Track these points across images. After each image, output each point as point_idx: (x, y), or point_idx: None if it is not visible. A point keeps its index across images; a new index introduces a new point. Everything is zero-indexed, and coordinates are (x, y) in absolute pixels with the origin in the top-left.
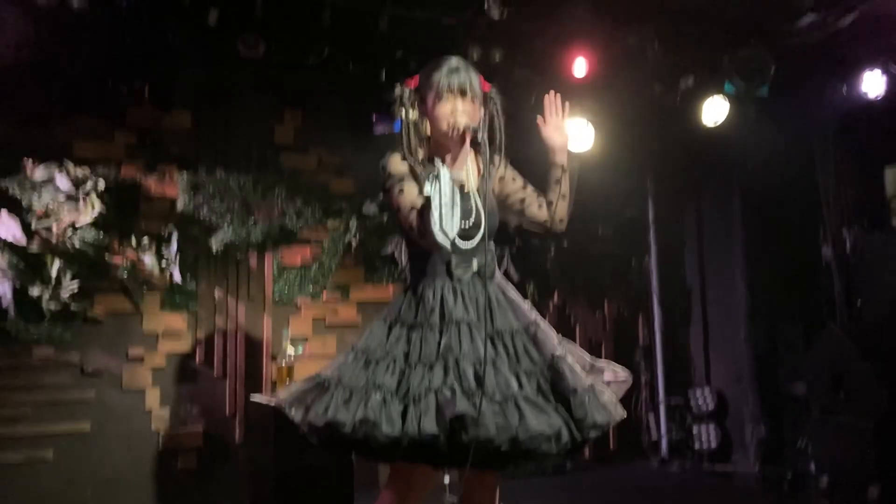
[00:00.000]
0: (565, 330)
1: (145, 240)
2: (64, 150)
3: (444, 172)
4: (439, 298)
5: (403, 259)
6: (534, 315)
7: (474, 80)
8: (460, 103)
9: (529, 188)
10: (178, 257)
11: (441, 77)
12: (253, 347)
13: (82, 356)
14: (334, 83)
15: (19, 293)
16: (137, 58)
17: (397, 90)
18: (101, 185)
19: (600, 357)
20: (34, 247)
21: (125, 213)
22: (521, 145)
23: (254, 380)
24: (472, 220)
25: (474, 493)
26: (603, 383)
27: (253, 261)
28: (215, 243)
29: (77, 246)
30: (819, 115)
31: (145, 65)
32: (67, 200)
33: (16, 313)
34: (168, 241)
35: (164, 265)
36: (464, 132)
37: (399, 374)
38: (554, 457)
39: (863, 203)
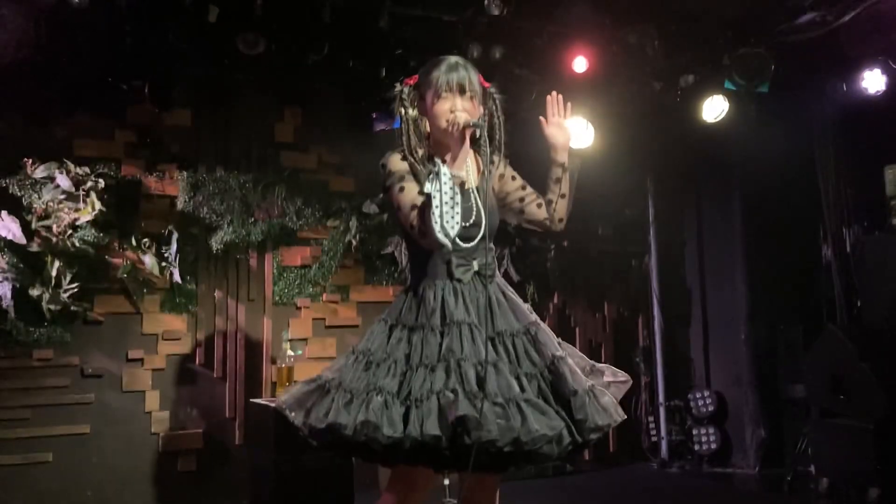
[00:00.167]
0: (565, 331)
1: (145, 240)
2: (64, 150)
3: (445, 171)
4: (440, 299)
5: (403, 259)
6: (533, 316)
7: (473, 77)
8: (459, 101)
9: (528, 187)
10: (178, 258)
11: (440, 75)
12: (253, 349)
13: (82, 358)
14: (334, 82)
15: (19, 294)
16: (137, 56)
17: (396, 88)
18: (101, 184)
19: (600, 358)
20: (34, 247)
21: (125, 212)
22: (520, 143)
23: (254, 381)
24: (472, 219)
25: (474, 496)
26: (603, 385)
27: (253, 261)
28: (215, 243)
29: (77, 246)
30: (819, 114)
31: (145, 64)
32: (67, 199)
33: (15, 314)
34: (168, 241)
35: (164, 265)
36: (463, 129)
37: (400, 377)
38: (555, 459)
39: (863, 203)
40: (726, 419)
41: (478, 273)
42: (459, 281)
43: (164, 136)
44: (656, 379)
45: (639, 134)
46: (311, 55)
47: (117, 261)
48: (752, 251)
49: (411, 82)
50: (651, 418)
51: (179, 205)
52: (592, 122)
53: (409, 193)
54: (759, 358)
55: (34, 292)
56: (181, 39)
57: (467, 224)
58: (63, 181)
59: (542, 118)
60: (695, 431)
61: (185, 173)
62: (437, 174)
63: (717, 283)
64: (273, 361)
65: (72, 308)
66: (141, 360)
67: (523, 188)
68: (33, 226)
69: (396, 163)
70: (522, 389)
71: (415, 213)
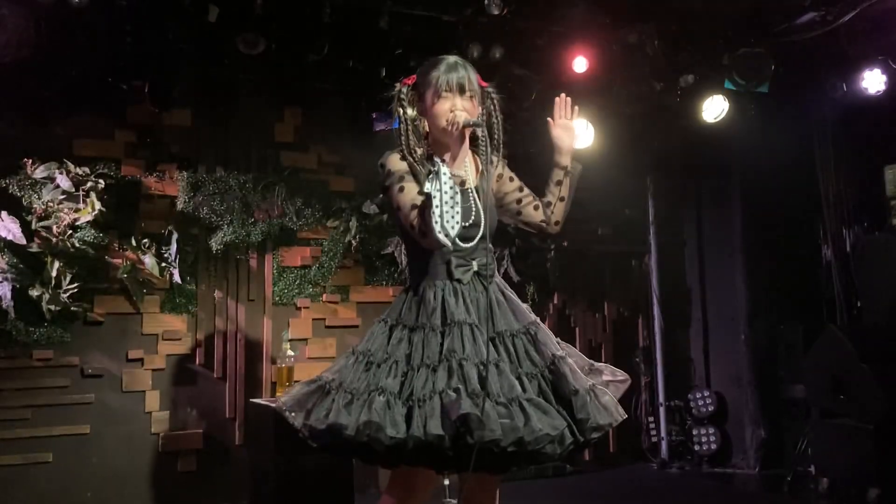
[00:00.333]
0: (565, 331)
1: (145, 240)
2: (64, 150)
3: (445, 170)
4: (440, 300)
5: (403, 259)
6: (532, 316)
7: (473, 77)
8: (459, 100)
9: (526, 189)
10: (177, 258)
11: (440, 74)
12: (253, 349)
13: (82, 358)
14: (334, 82)
15: (19, 294)
16: (137, 56)
17: (395, 89)
18: (101, 184)
19: (600, 359)
20: (34, 247)
21: (125, 212)
22: (520, 143)
23: (254, 381)
24: (471, 219)
25: (474, 496)
26: (602, 384)
27: (253, 261)
28: (215, 243)
29: (77, 246)
30: (819, 114)
31: (145, 64)
32: (67, 199)
33: (16, 314)
34: (168, 241)
35: (164, 266)
36: (463, 129)
37: (402, 377)
38: (556, 458)
39: (863, 203)
40: (726, 419)
41: (477, 273)
42: (459, 281)
43: (164, 136)
44: (656, 379)
45: (639, 134)
46: (311, 55)
47: (117, 261)
48: (752, 251)
49: (409, 82)
50: (651, 418)
51: (179, 205)
52: (592, 122)
53: (409, 193)
54: (759, 358)
55: (34, 292)
56: (181, 39)
57: (466, 224)
58: (63, 181)
59: (549, 119)
60: (695, 431)
61: (185, 173)
62: (437, 173)
63: (717, 283)
64: (273, 361)
65: (72, 308)
66: (141, 361)
67: (521, 190)
68: (33, 226)
69: (395, 162)
70: (524, 389)
71: (415, 212)
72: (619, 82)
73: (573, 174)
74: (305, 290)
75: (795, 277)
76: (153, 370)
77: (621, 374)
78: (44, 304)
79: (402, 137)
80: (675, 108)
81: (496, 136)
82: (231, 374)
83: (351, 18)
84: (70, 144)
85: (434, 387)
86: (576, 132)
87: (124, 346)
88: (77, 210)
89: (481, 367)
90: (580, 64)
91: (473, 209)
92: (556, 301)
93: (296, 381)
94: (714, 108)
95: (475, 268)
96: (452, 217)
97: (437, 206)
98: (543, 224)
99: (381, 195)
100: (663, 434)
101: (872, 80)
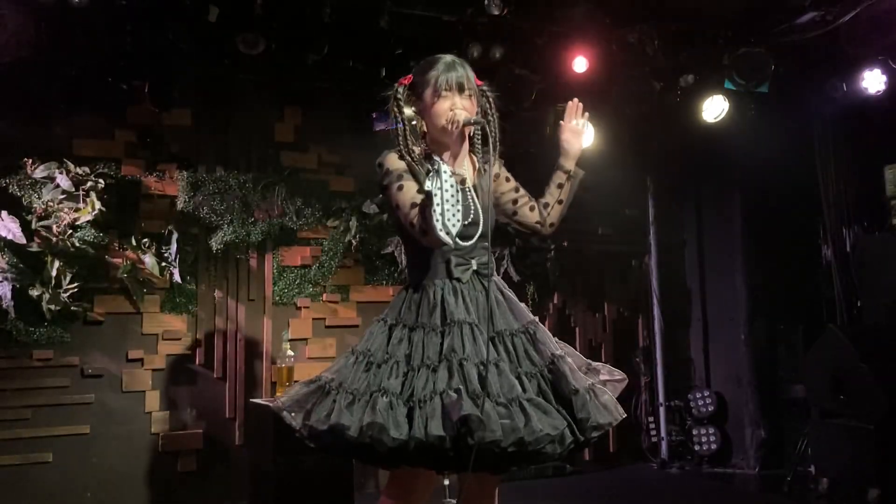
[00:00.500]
0: (565, 331)
1: (145, 240)
2: (64, 150)
3: (445, 168)
4: (440, 299)
5: (403, 259)
6: (531, 315)
7: (470, 75)
8: (458, 99)
9: (522, 189)
10: (177, 258)
11: (439, 74)
12: (253, 349)
13: (82, 358)
14: (334, 82)
15: (19, 294)
16: (137, 56)
17: (391, 89)
18: (101, 184)
19: (600, 359)
20: (34, 247)
21: (125, 212)
22: (520, 142)
23: (253, 381)
24: (470, 218)
25: (474, 496)
26: (600, 383)
27: (253, 261)
28: (215, 243)
29: (77, 246)
30: (819, 114)
31: (145, 63)
32: (67, 199)
33: (16, 314)
34: (168, 241)
35: (164, 265)
36: (463, 128)
37: (402, 377)
38: (557, 458)
39: (863, 203)
40: (726, 419)
41: (477, 272)
42: (459, 280)
43: (164, 136)
44: (656, 379)
45: (639, 134)
46: (311, 55)
47: (117, 261)
48: (752, 251)
49: (406, 82)
50: (651, 418)
51: (179, 205)
52: (592, 122)
53: (409, 192)
54: (759, 358)
55: (34, 292)
56: (181, 39)
57: (466, 223)
58: (63, 181)
59: (561, 122)
60: (695, 431)
61: (185, 173)
62: (438, 172)
63: (717, 283)
64: (273, 361)
65: (72, 308)
66: (141, 360)
67: (517, 190)
68: (33, 226)
69: (394, 161)
70: (524, 389)
71: (415, 211)
72: (619, 82)
73: (575, 179)
74: (305, 290)
75: (795, 277)
76: (153, 370)
77: (619, 374)
78: (44, 303)
79: (400, 137)
80: (675, 108)
81: (493, 135)
82: (231, 374)
83: (351, 18)
84: (70, 144)
85: (435, 387)
86: (584, 138)
87: (124, 346)
88: (77, 210)
89: (481, 367)
90: (580, 64)
91: (472, 208)
92: (556, 301)
93: (295, 381)
94: (714, 108)
95: (474, 266)
96: (454, 215)
97: (438, 205)
98: (538, 225)
99: (380, 195)
100: (663, 434)
101: (872, 80)
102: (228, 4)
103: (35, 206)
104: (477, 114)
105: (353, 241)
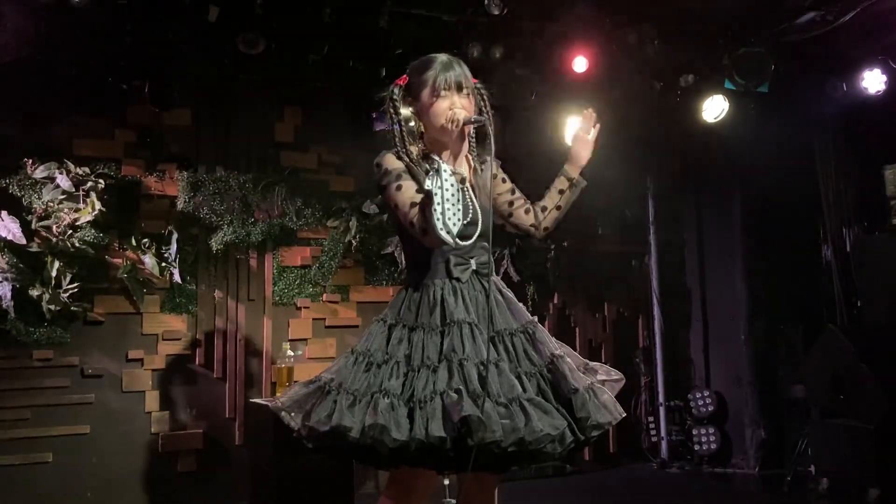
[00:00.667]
0: (565, 331)
1: (145, 240)
2: (64, 150)
3: (445, 168)
4: (439, 299)
5: (402, 259)
6: (529, 315)
7: (468, 73)
8: (457, 98)
9: (518, 191)
10: (177, 258)
11: (437, 74)
12: (253, 349)
13: (82, 358)
14: (334, 81)
15: (19, 294)
16: (137, 56)
17: (387, 90)
18: (101, 184)
19: (601, 359)
20: (34, 247)
21: (125, 212)
22: (520, 142)
23: (253, 381)
24: (469, 217)
25: (473, 496)
26: (599, 383)
27: (253, 261)
28: (215, 243)
29: (77, 246)
30: (819, 113)
31: (145, 63)
32: (67, 199)
33: (16, 314)
34: (168, 241)
35: (164, 266)
36: (463, 127)
37: (403, 377)
38: (557, 458)
39: (863, 203)
40: (726, 419)
41: (476, 272)
42: (458, 280)
43: (164, 136)
44: (656, 379)
45: (639, 134)
46: (311, 55)
47: (117, 261)
48: (752, 251)
49: (401, 83)
50: (651, 418)
51: (179, 205)
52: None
53: (408, 191)
54: (759, 358)
55: (34, 292)
56: (181, 39)
57: (465, 222)
58: (63, 181)
59: (577, 131)
60: (695, 431)
61: (185, 173)
62: (438, 171)
63: (717, 283)
64: (273, 361)
65: (72, 308)
66: (141, 361)
67: (513, 192)
68: (33, 226)
69: (392, 161)
70: (524, 389)
71: (415, 210)
72: (619, 82)
73: (577, 188)
74: (305, 290)
75: (795, 277)
76: (153, 370)
77: (616, 374)
78: (44, 304)
79: (397, 138)
80: (676, 108)
81: (492, 134)
82: (231, 374)
83: (351, 18)
84: (70, 144)
85: (435, 387)
86: (591, 150)
87: (124, 346)
88: (77, 210)
89: (481, 367)
90: (580, 64)
91: (471, 207)
92: (556, 301)
93: (295, 382)
94: (714, 108)
95: (474, 266)
96: (454, 214)
97: (438, 204)
98: (532, 228)
99: (379, 195)
100: (663, 434)
101: (872, 80)
102: (228, 4)
103: (35, 206)
104: (475, 112)
105: (353, 242)
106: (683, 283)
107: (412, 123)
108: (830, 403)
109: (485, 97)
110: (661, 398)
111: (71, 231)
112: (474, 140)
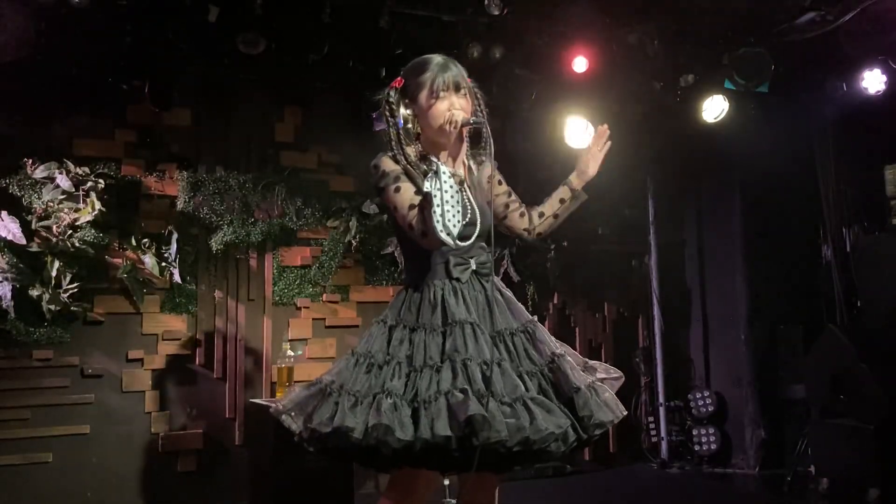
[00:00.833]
0: (565, 331)
1: (145, 240)
2: (64, 150)
3: (444, 169)
4: (440, 299)
5: (402, 260)
6: (528, 314)
7: (464, 73)
8: (455, 99)
9: (514, 194)
10: (177, 258)
11: (435, 75)
12: (253, 349)
13: (82, 358)
14: (334, 82)
15: (19, 294)
16: (137, 56)
17: (382, 93)
18: (101, 184)
19: (600, 359)
20: (34, 247)
21: (125, 212)
22: (520, 142)
23: (254, 381)
24: (467, 217)
25: (473, 496)
26: (599, 381)
27: (253, 261)
28: (215, 243)
29: (77, 246)
30: (819, 114)
31: (145, 63)
32: (67, 199)
33: (16, 314)
34: (168, 241)
35: (164, 266)
36: (461, 128)
37: (405, 378)
38: (560, 456)
39: (863, 203)
40: (726, 419)
41: (476, 272)
42: (458, 280)
43: (164, 136)
44: (656, 379)
45: (639, 134)
46: (311, 55)
47: (117, 261)
48: (752, 251)
49: (397, 85)
50: (651, 418)
51: (179, 205)
52: (592, 122)
53: (406, 193)
54: (759, 358)
55: (34, 292)
56: (181, 39)
57: (464, 223)
58: (63, 181)
59: (592, 144)
60: (695, 432)
61: (185, 173)
62: (437, 173)
63: (717, 283)
64: (273, 361)
65: (72, 308)
66: (141, 361)
67: (509, 195)
68: (33, 226)
69: (389, 163)
70: (526, 388)
71: (413, 212)
72: (619, 82)
73: (577, 200)
74: (305, 290)
75: (795, 277)
76: (153, 370)
77: (615, 372)
78: (44, 304)
79: (393, 142)
80: (675, 108)
81: (484, 133)
82: (231, 374)
83: (351, 18)
84: (70, 144)
85: (439, 387)
86: (598, 166)
87: (124, 346)
88: (77, 210)
89: (484, 367)
90: (580, 64)
91: (469, 207)
92: (556, 301)
93: (296, 382)
94: (714, 108)
95: (473, 266)
96: (454, 216)
97: (438, 206)
98: (525, 232)
99: (377, 197)
100: (663, 434)
101: (872, 80)
102: (228, 4)
103: (35, 206)
104: (473, 111)
105: (353, 242)
106: (683, 283)
107: (410, 126)
108: (830, 403)
109: (479, 97)
110: (661, 398)
111: (71, 231)
112: (469, 140)
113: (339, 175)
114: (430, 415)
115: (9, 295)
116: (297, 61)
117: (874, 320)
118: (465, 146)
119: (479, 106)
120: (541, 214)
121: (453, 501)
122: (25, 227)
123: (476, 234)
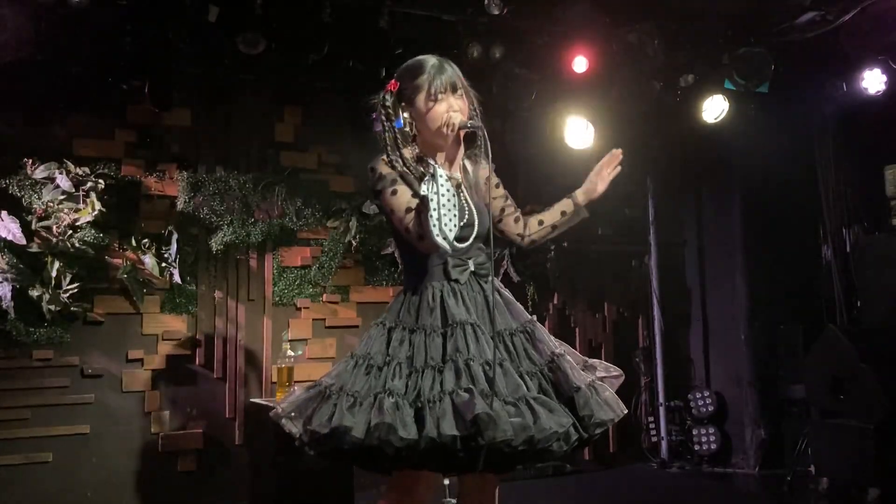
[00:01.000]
0: (565, 331)
1: (145, 240)
2: (64, 150)
3: (441, 172)
4: (439, 300)
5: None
6: (527, 314)
7: (459, 73)
8: (453, 100)
9: (510, 199)
10: (177, 258)
11: (431, 78)
12: (253, 349)
13: (82, 358)
14: (334, 82)
15: (19, 294)
16: (137, 56)
17: (378, 97)
18: (101, 184)
19: (600, 359)
20: (34, 247)
21: (125, 212)
22: (520, 142)
23: (253, 382)
24: (465, 219)
25: (474, 496)
26: (599, 380)
27: (253, 261)
28: (215, 244)
29: (77, 246)
30: (819, 114)
31: (145, 63)
32: (67, 200)
33: (16, 314)
34: (168, 241)
35: (164, 266)
36: (459, 130)
37: (406, 378)
38: (561, 455)
39: (863, 203)
40: (726, 419)
41: (474, 273)
42: (457, 281)
43: (164, 136)
44: (656, 379)
45: (639, 134)
46: (311, 55)
47: (117, 261)
48: (752, 251)
49: (392, 88)
50: (651, 418)
51: (179, 205)
52: (592, 122)
53: (403, 196)
54: (759, 358)
55: (34, 292)
56: (181, 39)
57: (461, 224)
58: (63, 181)
59: (603, 166)
60: (695, 431)
61: (185, 173)
62: (434, 176)
63: (717, 283)
64: (273, 362)
65: (72, 308)
66: (141, 361)
67: (505, 199)
68: (33, 226)
69: (386, 167)
70: (528, 388)
71: (410, 216)
72: (619, 82)
73: (578, 216)
74: (305, 291)
75: (795, 277)
76: (153, 370)
77: (615, 370)
78: (44, 304)
79: (389, 145)
80: (675, 108)
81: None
82: (231, 374)
83: (351, 18)
84: (70, 144)
85: (443, 387)
86: (605, 187)
87: (124, 346)
88: (77, 210)
89: (487, 367)
90: (580, 64)
91: (467, 209)
92: (556, 301)
93: (296, 382)
94: (714, 108)
95: (472, 267)
96: (451, 220)
97: (434, 210)
98: (518, 237)
99: (375, 199)
100: (663, 434)
101: (872, 80)
102: (228, 4)
103: (35, 206)
104: (470, 111)
105: (353, 242)
106: (683, 283)
107: (407, 128)
108: (830, 403)
109: (472, 97)
110: (661, 398)
111: (71, 231)
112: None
113: (338, 175)
114: (435, 414)
115: (9, 295)
116: (297, 61)
117: (874, 320)
118: (462, 149)
119: (474, 106)
120: (540, 222)
121: (453, 501)
122: (25, 227)
123: (474, 236)
